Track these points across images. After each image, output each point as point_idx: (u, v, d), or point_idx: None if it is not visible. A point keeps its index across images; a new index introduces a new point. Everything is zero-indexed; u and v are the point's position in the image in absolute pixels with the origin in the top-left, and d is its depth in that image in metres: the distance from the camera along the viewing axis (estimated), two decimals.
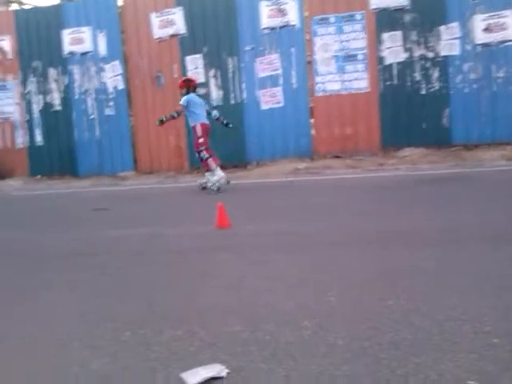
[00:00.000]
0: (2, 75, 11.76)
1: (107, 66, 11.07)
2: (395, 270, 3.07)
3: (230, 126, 8.25)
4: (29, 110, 11.61)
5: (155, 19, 10.76)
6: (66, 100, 11.34)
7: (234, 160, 10.27)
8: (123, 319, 2.57)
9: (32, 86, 11.56)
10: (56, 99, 11.42)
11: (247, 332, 2.30)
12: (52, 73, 11.41)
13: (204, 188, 7.62)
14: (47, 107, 11.48)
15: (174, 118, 7.64)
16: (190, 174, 10.23)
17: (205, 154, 7.49)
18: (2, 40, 11.63)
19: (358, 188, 7.01)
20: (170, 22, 10.70)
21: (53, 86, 11.43)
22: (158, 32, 10.79)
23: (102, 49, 11.08)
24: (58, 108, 11.42)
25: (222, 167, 7.72)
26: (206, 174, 7.70)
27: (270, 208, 5.77)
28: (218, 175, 7.40)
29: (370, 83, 10.00)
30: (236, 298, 2.77)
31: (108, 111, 11.15)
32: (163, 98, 10.82)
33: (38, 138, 11.57)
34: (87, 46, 11.14)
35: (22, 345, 2.38)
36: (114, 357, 2.16)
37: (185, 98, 7.54)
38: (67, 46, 11.25)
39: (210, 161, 7.49)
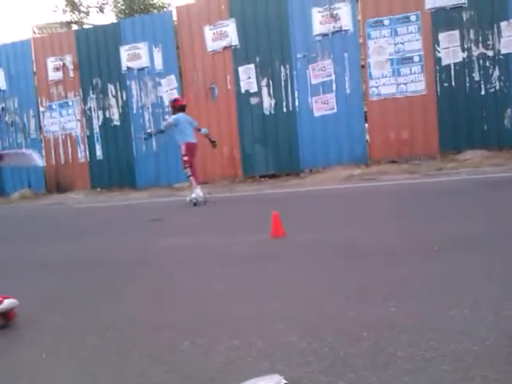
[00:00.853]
0: (64, 93, 12.34)
1: (163, 81, 11.38)
2: (458, 278, 2.92)
3: (215, 144, 8.56)
4: (89, 126, 12.10)
5: (209, 32, 10.97)
6: (125, 115, 11.74)
7: (287, 168, 10.27)
8: (180, 328, 2.59)
9: (92, 102, 12.06)
10: (115, 114, 11.85)
11: (304, 343, 2.25)
12: (111, 89, 11.85)
13: (195, 204, 7.88)
14: (106, 122, 11.94)
15: (162, 131, 8.23)
16: (244, 183, 10.30)
17: (188, 172, 7.99)
18: (64, 59, 12.21)
19: (417, 193, 6.79)
20: (223, 34, 10.87)
21: (112, 101, 11.86)
22: (212, 45, 10.99)
23: (158, 63, 11.41)
24: (117, 123, 11.84)
25: (275, 176, 7.82)
26: (197, 186, 8.06)
27: (325, 216, 5.69)
28: (196, 193, 7.90)
29: (426, 85, 9.74)
30: (292, 308, 2.73)
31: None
32: (217, 109, 10.99)
33: (98, 153, 12.03)
34: (144, 62, 11.51)
35: (79, 354, 2.44)
36: (172, 366, 2.17)
37: (175, 116, 8.14)
38: (125, 62, 11.65)
39: (192, 179, 7.98)
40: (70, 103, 12.27)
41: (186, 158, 7.99)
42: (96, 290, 3.54)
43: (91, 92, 12.05)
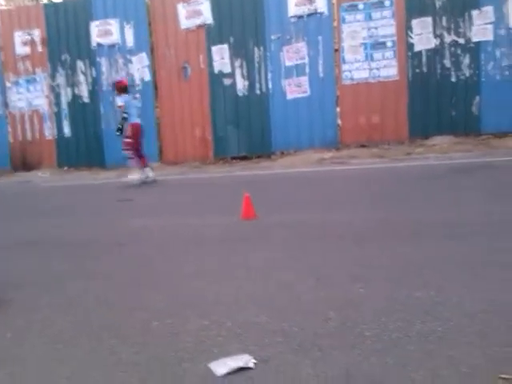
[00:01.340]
0: (32, 68, 11.96)
1: (134, 58, 11.14)
2: (427, 262, 3.00)
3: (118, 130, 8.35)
4: (57, 103, 11.79)
5: (182, 9, 10.76)
6: (94, 92, 11.47)
7: (259, 150, 10.25)
8: (151, 309, 2.59)
9: (60, 78, 11.72)
10: (84, 91, 11.56)
11: (274, 323, 2.28)
12: (80, 65, 11.55)
13: (144, 182, 8.00)
14: (75, 99, 11.64)
15: (125, 118, 8.12)
16: (215, 164, 10.25)
17: (128, 154, 7.99)
18: (32, 34, 11.81)
19: (386, 178, 6.90)
20: (197, 12, 10.68)
21: (81, 78, 11.56)
22: (185, 22, 10.79)
23: (129, 40, 11.15)
24: (86, 100, 11.56)
25: (246, 158, 7.84)
26: (145, 169, 8.14)
27: (297, 199, 5.73)
28: (133, 175, 8.08)
29: (398, 71, 9.82)
30: (262, 289, 2.76)
31: (135, 103, 11.22)
32: (189, 88, 10.85)
33: (66, 130, 11.75)
34: (115, 38, 11.23)
35: (48, 333, 2.41)
36: (142, 346, 2.18)
37: (125, 99, 8.16)
38: (95, 39, 11.35)
39: (132, 162, 8.08)
40: (38, 79, 11.89)
41: (129, 140, 7.99)
42: (67, 270, 3.50)
43: (60, 68, 11.69)
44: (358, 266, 3.04)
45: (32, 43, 11.86)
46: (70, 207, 6.60)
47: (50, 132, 11.85)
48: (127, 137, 8.00)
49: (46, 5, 13.54)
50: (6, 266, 3.73)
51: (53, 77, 11.76)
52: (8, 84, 12.15)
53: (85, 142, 11.54)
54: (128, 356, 2.09)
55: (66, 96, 11.72)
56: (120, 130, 8.19)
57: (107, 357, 2.10)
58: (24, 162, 11.86)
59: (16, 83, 12.10)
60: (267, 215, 4.72)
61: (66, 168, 11.59)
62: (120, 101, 8.19)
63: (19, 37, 11.94)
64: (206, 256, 3.59)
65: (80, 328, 2.44)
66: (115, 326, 2.42)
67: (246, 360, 1.93)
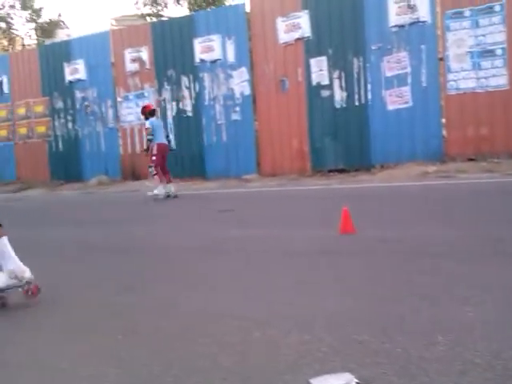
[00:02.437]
0: (140, 84, 12.76)
1: (235, 73, 11.49)
2: None
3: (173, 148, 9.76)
4: (163, 116, 12.44)
5: (281, 23, 10.94)
6: (197, 106, 11.97)
7: (357, 163, 10.06)
8: (249, 318, 2.63)
9: (166, 93, 12.38)
10: (188, 105, 12.11)
11: (377, 342, 2.21)
12: (184, 80, 12.12)
13: (168, 196, 8.72)
14: (180, 113, 12.22)
15: (150, 140, 8.88)
16: (312, 177, 10.21)
17: (153, 170, 8.78)
18: (140, 51, 12.63)
19: (497, 194, 6.46)
20: (296, 26, 10.79)
21: (185, 93, 12.13)
22: (284, 36, 10.95)
23: (231, 56, 11.52)
24: (190, 114, 12.10)
25: (344, 171, 7.78)
26: (168, 185, 8.88)
27: (397, 214, 5.54)
28: (158, 190, 8.71)
29: (509, 80, 9.19)
30: (362, 306, 2.69)
31: (234, 116, 11.57)
32: (287, 102, 10.96)
33: (172, 142, 12.35)
34: (216, 54, 11.66)
35: (148, 338, 2.53)
36: (243, 355, 2.21)
37: (151, 122, 8.92)
38: (198, 55, 11.87)
39: (156, 178, 8.80)
40: (146, 94, 12.66)
41: (154, 158, 8.74)
42: (167, 275, 3.66)
43: (166, 83, 12.37)
44: (464, 286, 2.87)
45: (140, 60, 12.67)
46: (174, 215, 6.92)
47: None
48: (152, 155, 8.78)
49: (153, 23, 14.43)
50: (112, 268, 3.98)
51: (159, 92, 12.45)
52: (119, 99, 13.06)
53: (188, 154, 12.05)
54: (228, 364, 2.14)
55: (171, 110, 12.35)
56: (146, 150, 9.09)
57: (208, 364, 2.16)
58: (133, 173, 12.64)
59: (126, 98, 12.96)
60: (366, 230, 4.61)
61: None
62: (147, 124, 8.96)
63: (129, 54, 12.81)
64: (303, 269, 3.58)
65: (178, 332, 2.53)
66: (216, 333, 2.48)
67: (347, 379, 1.89)
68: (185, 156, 12.10)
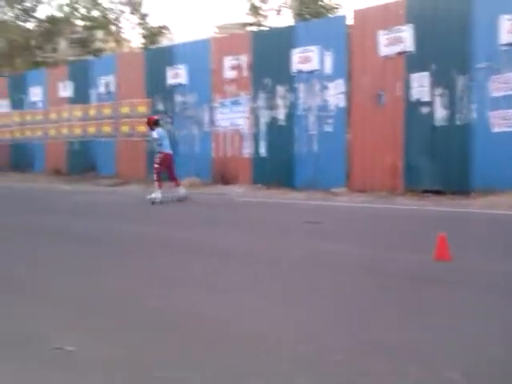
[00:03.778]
0: (237, 91, 13.06)
1: (331, 84, 11.42)
2: None
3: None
4: (256, 124, 12.64)
5: (383, 37, 10.72)
6: (290, 116, 12.03)
7: (455, 185, 9.56)
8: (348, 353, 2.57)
9: (261, 101, 12.56)
10: (281, 114, 12.21)
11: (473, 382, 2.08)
12: (279, 90, 12.23)
13: (153, 203, 9.31)
14: (272, 121, 12.35)
15: (160, 152, 9.64)
16: (404, 196, 9.86)
17: (155, 177, 9.53)
18: (239, 59, 12.93)
19: None
20: (398, 40, 10.53)
21: (279, 102, 12.24)
22: (385, 50, 10.72)
23: (328, 67, 11.47)
24: (282, 123, 12.19)
25: (439, 192, 7.43)
26: (158, 190, 9.49)
27: (500, 244, 5.20)
28: (155, 194, 9.41)
29: None
30: (459, 341, 2.54)
31: (327, 128, 11.49)
32: (383, 115, 10.71)
33: (262, 150, 12.52)
34: (314, 65, 11.66)
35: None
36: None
37: (156, 132, 9.68)
38: (295, 65, 11.94)
39: (156, 184, 9.50)
40: (241, 101, 12.92)
41: (157, 166, 9.57)
42: (250, 283, 3.68)
43: (261, 91, 12.56)
44: None
45: (239, 68, 12.96)
46: (260, 223, 6.98)
47: (247, 150, 12.77)
48: (156, 163, 9.60)
49: (253, 32, 14.74)
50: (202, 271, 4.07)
51: (254, 99, 12.66)
52: (215, 104, 13.45)
53: (277, 163, 12.14)
54: None
55: (264, 118, 12.52)
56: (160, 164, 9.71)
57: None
58: (223, 177, 12.95)
59: (222, 104, 13.32)
60: (463, 259, 4.37)
61: (258, 185, 12.33)
62: (155, 134, 9.68)
63: (229, 61, 13.15)
64: (395, 294, 3.46)
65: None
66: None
67: None
68: (274, 164, 12.20)
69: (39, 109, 17.94)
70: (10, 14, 25.06)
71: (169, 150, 9.80)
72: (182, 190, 9.79)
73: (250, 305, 3.25)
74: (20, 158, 18.51)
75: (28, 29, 24.87)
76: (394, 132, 10.57)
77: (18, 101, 18.61)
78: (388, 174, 10.60)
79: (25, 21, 25.13)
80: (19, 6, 24.66)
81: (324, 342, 2.57)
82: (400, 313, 3.05)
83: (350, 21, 11.53)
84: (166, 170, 9.79)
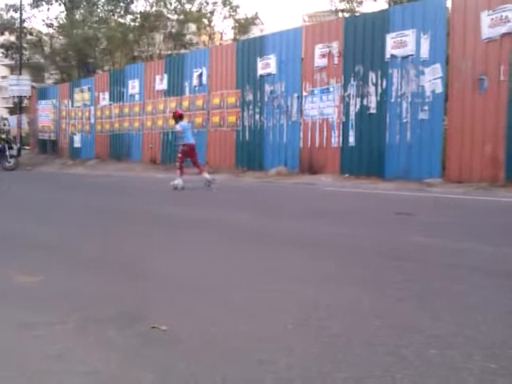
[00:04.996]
0: (327, 79, 12.81)
1: (427, 70, 10.85)
2: None
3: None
4: (346, 112, 12.34)
5: (486, 17, 9.97)
6: (382, 103, 11.61)
7: None
8: (426, 333, 2.38)
9: (352, 89, 12.23)
10: (372, 102, 11.82)
11: None
12: (371, 76, 11.83)
13: (175, 188, 9.92)
14: (363, 110, 11.99)
15: (181, 139, 10.39)
16: (505, 187, 9.14)
17: (178, 165, 10.24)
18: (330, 47, 12.66)
19: None
20: (503, 20, 9.74)
21: (371, 89, 11.85)
22: (488, 32, 9.97)
23: (424, 52, 10.91)
24: (373, 111, 11.79)
25: None
26: (179, 177, 10.12)
27: None
28: (177, 181, 10.02)
29: None
30: None
31: (422, 115, 10.96)
32: (484, 102, 10.01)
33: (351, 139, 12.21)
34: (409, 49, 11.14)
35: (332, 337, 2.44)
36: (419, 372, 2.00)
37: (179, 124, 10.43)
38: (389, 50, 11.47)
39: (178, 171, 10.16)
40: (331, 89, 12.67)
41: (180, 155, 10.29)
42: (331, 274, 3.55)
43: (352, 79, 12.23)
44: None
45: (329, 55, 12.70)
46: (349, 213, 6.78)
47: (336, 140, 12.52)
48: (180, 153, 10.31)
49: (346, 18, 14.37)
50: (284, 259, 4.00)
51: (345, 88, 12.35)
52: (304, 93, 13.31)
53: (367, 152, 11.79)
54: (405, 378, 1.95)
55: (354, 106, 12.18)
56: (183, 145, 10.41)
57: (380, 372, 2.00)
58: (310, 166, 12.82)
59: (311, 93, 13.16)
60: None
61: (346, 175, 12.06)
62: (178, 127, 10.40)
63: (319, 49, 12.93)
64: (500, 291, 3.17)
65: (351, 339, 2.41)
66: (390, 344, 2.30)
67: None
68: (364, 153, 11.86)
69: (137, 101, 18.87)
70: (108, 8, 26.51)
71: (190, 141, 10.42)
72: (206, 175, 10.28)
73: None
74: (118, 148, 19.63)
75: (125, 24, 26.18)
76: (497, 119, 9.84)
77: (118, 94, 19.72)
78: (488, 165, 9.90)
79: (122, 16, 26.49)
80: (117, 2, 26.01)
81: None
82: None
83: (449, 1, 10.87)
84: (190, 159, 10.49)
